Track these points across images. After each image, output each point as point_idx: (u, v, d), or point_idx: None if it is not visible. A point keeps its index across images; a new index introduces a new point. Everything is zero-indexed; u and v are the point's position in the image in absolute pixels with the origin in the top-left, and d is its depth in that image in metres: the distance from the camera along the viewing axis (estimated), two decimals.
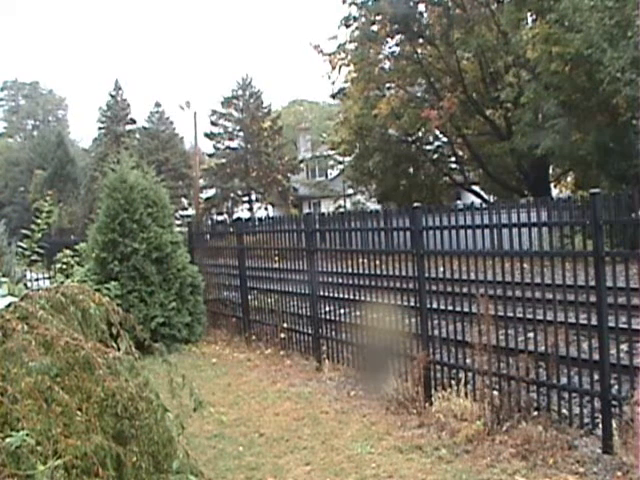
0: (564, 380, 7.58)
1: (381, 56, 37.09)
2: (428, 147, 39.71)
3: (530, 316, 7.83)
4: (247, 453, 7.78)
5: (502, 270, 8.08)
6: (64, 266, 17.11)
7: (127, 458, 3.71)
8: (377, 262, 10.41)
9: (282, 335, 13.02)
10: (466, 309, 8.56)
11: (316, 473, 7.03)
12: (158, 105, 70.47)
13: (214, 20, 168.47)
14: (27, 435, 3.15)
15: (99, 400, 3.79)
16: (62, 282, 12.68)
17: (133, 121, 70.13)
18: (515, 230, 7.97)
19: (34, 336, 3.91)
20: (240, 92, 63.30)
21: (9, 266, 14.70)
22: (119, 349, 4.39)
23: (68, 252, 17.70)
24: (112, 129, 67.72)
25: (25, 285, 11.54)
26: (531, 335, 7.97)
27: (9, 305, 4.35)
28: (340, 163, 51.22)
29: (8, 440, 3.06)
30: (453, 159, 39.97)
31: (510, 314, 7.99)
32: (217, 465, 7.39)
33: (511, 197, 32.10)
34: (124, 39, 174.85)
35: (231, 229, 16.04)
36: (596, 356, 7.20)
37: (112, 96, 68.88)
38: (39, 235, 11.46)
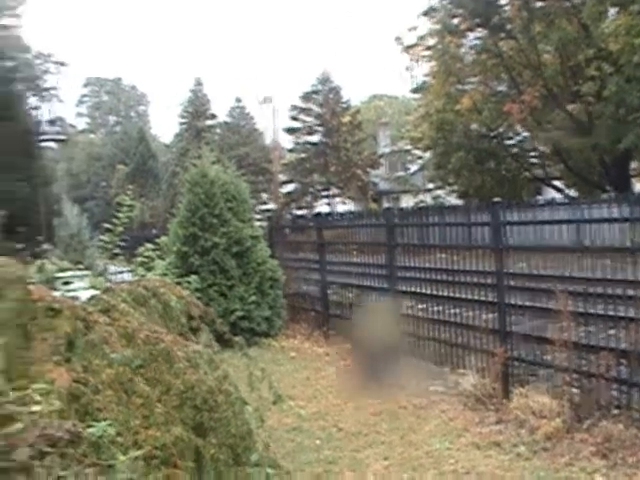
0: None
1: (462, 50, 36.77)
2: (509, 142, 39.20)
3: (611, 313, 7.69)
4: (325, 447, 7.81)
5: (583, 266, 7.95)
6: (145, 259, 17.34)
7: (206, 450, 3.75)
8: (456, 257, 10.33)
9: None
10: (546, 305, 8.44)
11: (394, 468, 7.02)
12: (239, 100, 71.21)
13: (295, 15, 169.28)
14: (108, 425, 3.20)
15: (179, 392, 3.84)
16: (143, 275, 12.85)
17: (214, 116, 70.73)
18: (596, 226, 7.83)
19: (115, 328, 3.98)
20: (320, 87, 63.35)
21: (92, 259, 14.98)
22: (199, 342, 4.44)
23: (149, 246, 17.91)
24: (193, 124, 68.37)
25: (106, 278, 11.74)
26: (612, 332, 7.82)
27: (92, 298, 4.44)
28: (420, 158, 50.93)
29: (90, 430, 3.11)
30: (533, 154, 39.35)
31: (591, 311, 7.85)
32: (296, 458, 7.43)
33: (592, 192, 31.47)
34: (206, 35, 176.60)
35: (311, 223, 16.09)
36: None
37: (193, 92, 69.64)
38: (121, 229, 11.62)
